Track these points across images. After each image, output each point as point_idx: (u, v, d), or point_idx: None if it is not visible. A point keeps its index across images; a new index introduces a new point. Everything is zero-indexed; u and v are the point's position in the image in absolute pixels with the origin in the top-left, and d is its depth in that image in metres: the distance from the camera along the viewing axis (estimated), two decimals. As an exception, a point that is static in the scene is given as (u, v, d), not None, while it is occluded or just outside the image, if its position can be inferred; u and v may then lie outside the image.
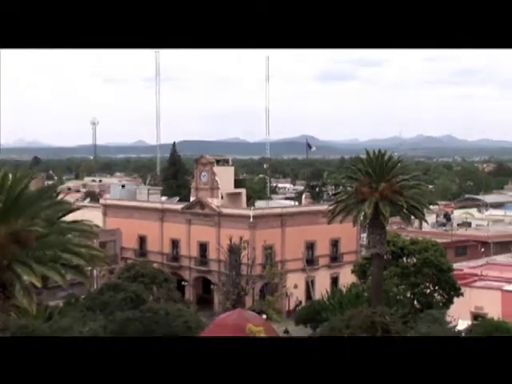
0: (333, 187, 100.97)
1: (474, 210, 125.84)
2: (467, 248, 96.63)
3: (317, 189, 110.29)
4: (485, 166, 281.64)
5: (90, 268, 54.16)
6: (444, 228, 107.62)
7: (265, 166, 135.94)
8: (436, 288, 62.38)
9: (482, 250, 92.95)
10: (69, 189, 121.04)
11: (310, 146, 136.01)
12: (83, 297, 60.20)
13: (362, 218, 54.91)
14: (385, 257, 57.84)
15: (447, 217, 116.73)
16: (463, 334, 48.21)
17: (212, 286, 78.12)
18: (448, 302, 61.11)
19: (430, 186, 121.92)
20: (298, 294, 76.76)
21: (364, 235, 70.08)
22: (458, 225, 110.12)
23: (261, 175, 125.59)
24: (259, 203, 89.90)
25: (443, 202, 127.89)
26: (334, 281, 79.05)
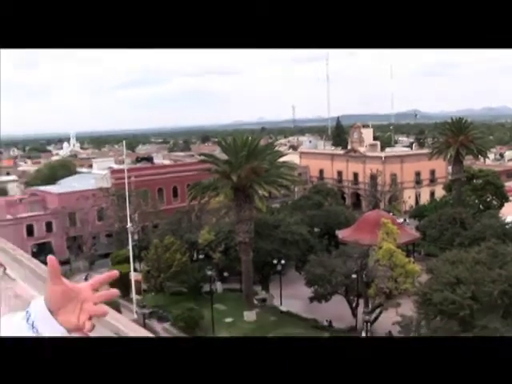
0: (431, 139, 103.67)
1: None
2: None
3: (421, 140, 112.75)
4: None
5: (293, 186, 61.80)
6: (499, 162, 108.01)
7: (390, 127, 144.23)
8: (493, 197, 65.42)
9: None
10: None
11: (416, 115, 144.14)
12: (290, 202, 66.77)
13: (448, 156, 60.41)
14: (462, 179, 61.00)
15: (501, 155, 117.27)
16: (510, 225, 47.39)
17: (360, 197, 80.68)
18: (501, 206, 63.65)
19: (491, 137, 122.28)
20: (411, 201, 78.93)
21: (450, 167, 70.02)
22: (509, 160, 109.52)
23: (388, 133, 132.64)
24: (388, 149, 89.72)
25: (499, 146, 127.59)
26: (432, 194, 79.60)
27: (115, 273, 1.47)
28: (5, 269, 14.04)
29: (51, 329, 1.32)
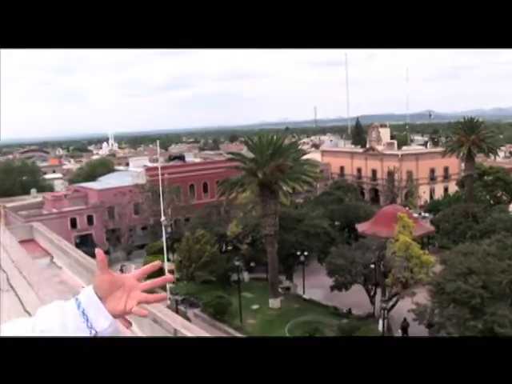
0: (445, 138, 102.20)
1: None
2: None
3: (435, 139, 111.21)
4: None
5: (315, 183, 60.58)
6: (509, 159, 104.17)
7: (406, 127, 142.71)
8: (503, 193, 65.18)
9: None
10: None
11: (430, 115, 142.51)
12: (312, 197, 65.85)
13: (461, 154, 59.90)
14: (474, 176, 60.56)
15: (511, 153, 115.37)
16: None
17: (379, 192, 79.61)
18: (510, 201, 62.81)
19: (501, 136, 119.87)
20: (425, 197, 77.48)
21: (462, 164, 69.02)
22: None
23: (404, 132, 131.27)
24: (404, 148, 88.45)
25: (508, 145, 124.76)
26: (446, 190, 78.80)
27: (158, 264, 1.50)
28: (52, 258, 14.29)
29: (100, 315, 1.36)
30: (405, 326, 33.13)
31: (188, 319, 22.79)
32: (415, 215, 53.55)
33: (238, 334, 34.67)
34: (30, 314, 2.89)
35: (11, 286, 3.79)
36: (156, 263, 1.49)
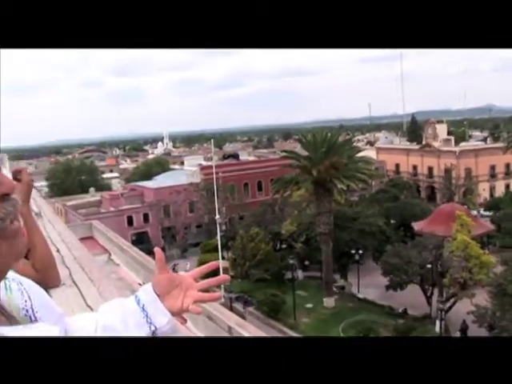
0: (506, 133, 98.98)
1: None
2: None
3: (496, 134, 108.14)
4: None
5: (370, 180, 58.96)
6: None
7: (464, 122, 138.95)
8: None
9: None
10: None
11: (490, 109, 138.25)
12: (367, 195, 65.15)
13: None
14: None
15: None
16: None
17: (435, 190, 77.51)
18: None
19: None
20: (485, 194, 75.44)
21: None
22: None
23: (462, 128, 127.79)
24: (462, 144, 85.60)
25: None
26: (507, 187, 77.38)
27: (215, 264, 1.54)
28: (110, 255, 14.69)
29: (159, 311, 1.41)
30: (464, 328, 32.39)
31: (243, 317, 23.00)
32: (474, 213, 52.34)
33: (292, 333, 34.82)
34: (91, 309, 3.03)
35: (74, 282, 3.94)
36: (213, 263, 1.53)
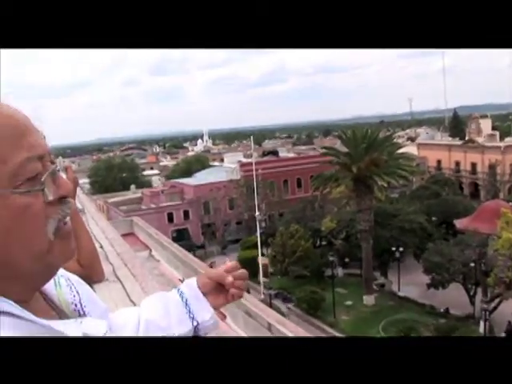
0: None
1: None
2: None
3: None
4: None
5: (411, 177, 56.98)
6: None
7: (510, 117, 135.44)
8: None
9: None
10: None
11: None
12: (408, 192, 63.98)
13: None
14: None
15: None
16: None
17: (479, 187, 75.37)
18: None
19: None
20: None
21: None
22: None
23: (508, 122, 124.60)
24: (507, 139, 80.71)
25: None
26: None
27: (235, 264, 1.52)
28: (151, 251, 14.93)
29: (202, 306, 1.41)
30: (510, 330, 31.70)
31: (282, 314, 23.08)
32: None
33: (331, 330, 34.80)
34: (134, 304, 3.09)
35: (117, 278, 4.01)
36: (233, 263, 1.51)
